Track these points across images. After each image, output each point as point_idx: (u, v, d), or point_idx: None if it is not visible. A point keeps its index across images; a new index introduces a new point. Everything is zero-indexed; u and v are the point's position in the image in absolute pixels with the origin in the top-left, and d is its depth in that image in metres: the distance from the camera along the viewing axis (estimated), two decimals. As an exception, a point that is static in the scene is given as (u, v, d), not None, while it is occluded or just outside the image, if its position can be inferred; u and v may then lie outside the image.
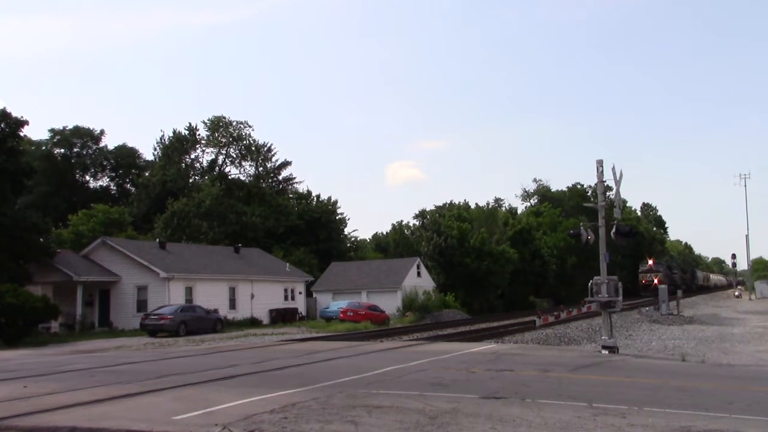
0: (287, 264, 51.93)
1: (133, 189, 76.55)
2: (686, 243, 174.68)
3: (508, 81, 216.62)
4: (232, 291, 43.36)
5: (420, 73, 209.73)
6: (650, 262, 76.30)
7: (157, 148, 76.18)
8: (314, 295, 55.02)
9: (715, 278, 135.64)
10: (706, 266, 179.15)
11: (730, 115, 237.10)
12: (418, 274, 55.64)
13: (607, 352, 18.91)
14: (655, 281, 70.54)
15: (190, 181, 73.27)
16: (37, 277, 36.51)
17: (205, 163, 77.58)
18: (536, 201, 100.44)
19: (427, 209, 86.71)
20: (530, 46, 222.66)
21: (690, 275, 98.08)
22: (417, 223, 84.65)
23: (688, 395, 11.15)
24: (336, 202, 75.04)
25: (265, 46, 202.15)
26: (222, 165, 77.13)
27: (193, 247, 50.35)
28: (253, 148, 76.64)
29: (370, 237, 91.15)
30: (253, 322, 41.67)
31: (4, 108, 36.76)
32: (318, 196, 76.00)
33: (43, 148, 70.86)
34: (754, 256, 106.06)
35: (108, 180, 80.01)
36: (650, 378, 13.40)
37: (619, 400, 10.10)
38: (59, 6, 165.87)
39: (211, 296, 40.39)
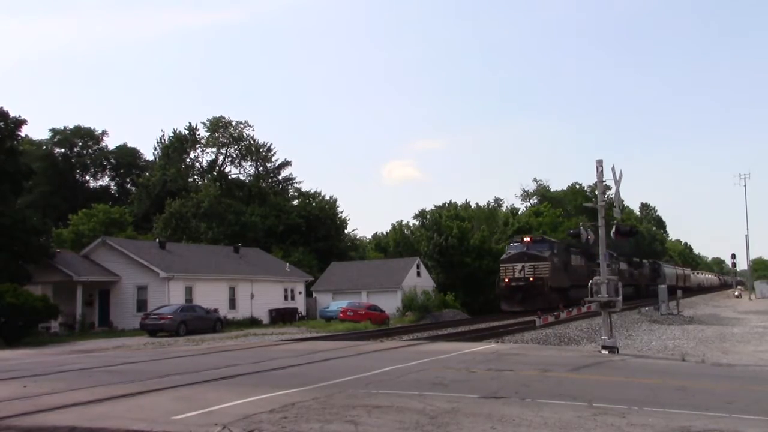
0: (287, 264, 51.95)
1: (133, 189, 76.64)
2: (686, 243, 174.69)
3: (507, 80, 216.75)
4: (232, 291, 43.39)
5: (418, 73, 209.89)
6: (526, 238, 44.96)
7: (157, 147, 76.32)
8: (314, 295, 55.03)
9: (702, 277, 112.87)
10: (706, 265, 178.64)
11: (730, 115, 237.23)
12: (418, 274, 55.65)
13: (607, 352, 18.91)
14: (531, 279, 41.63)
15: (189, 180, 73.32)
16: (37, 277, 36.51)
17: (205, 163, 77.74)
18: (536, 201, 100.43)
19: (427, 209, 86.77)
20: (530, 45, 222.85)
21: (649, 271, 69.29)
22: (417, 222, 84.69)
23: (688, 395, 11.14)
24: (336, 201, 75.30)
25: (266, 46, 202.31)
26: (222, 165, 77.22)
27: (193, 247, 50.39)
28: (253, 149, 76.69)
29: (370, 237, 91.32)
30: (253, 322, 41.69)
31: (2, 107, 36.78)
32: (317, 194, 76.12)
33: (44, 148, 70.96)
34: (754, 256, 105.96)
35: (108, 180, 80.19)
36: (650, 378, 13.39)
37: (619, 399, 10.10)
38: (61, 7, 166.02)
39: (211, 296, 40.41)
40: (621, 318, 34.26)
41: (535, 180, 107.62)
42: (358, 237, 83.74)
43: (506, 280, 42.97)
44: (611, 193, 20.34)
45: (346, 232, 76.63)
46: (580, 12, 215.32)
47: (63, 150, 73.97)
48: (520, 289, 41.87)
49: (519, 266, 42.54)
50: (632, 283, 57.54)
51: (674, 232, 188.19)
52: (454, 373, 13.65)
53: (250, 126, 76.55)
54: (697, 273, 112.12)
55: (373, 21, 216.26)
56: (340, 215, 74.36)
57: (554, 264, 43.19)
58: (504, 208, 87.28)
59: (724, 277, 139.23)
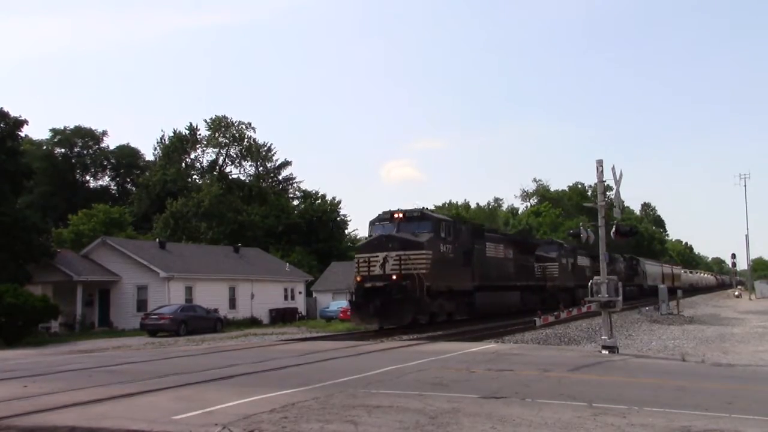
0: (287, 264, 52.00)
1: (133, 189, 76.71)
2: (686, 243, 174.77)
3: (507, 80, 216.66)
4: (232, 291, 43.42)
5: (418, 73, 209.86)
6: (397, 214, 27.41)
7: (157, 147, 76.36)
8: (314, 295, 55.04)
9: (696, 277, 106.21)
10: (706, 265, 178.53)
11: (730, 115, 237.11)
12: (418, 273, 55.48)
13: (607, 352, 18.89)
14: (394, 277, 25.62)
15: (189, 180, 73.36)
16: (37, 277, 36.54)
17: (205, 163, 77.77)
18: (536, 201, 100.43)
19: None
20: (530, 45, 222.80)
21: (625, 268, 56.86)
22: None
23: (688, 395, 11.13)
24: (339, 202, 75.34)
25: (266, 46, 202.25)
26: (222, 165, 77.22)
27: (193, 246, 50.42)
28: (253, 149, 76.73)
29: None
30: (253, 322, 41.73)
31: (2, 108, 36.84)
32: (321, 195, 76.13)
33: (44, 148, 71.03)
34: (754, 256, 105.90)
35: (108, 180, 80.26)
36: (650, 378, 13.38)
37: (619, 399, 10.09)
38: (61, 7, 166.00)
39: (211, 296, 40.44)
40: (621, 318, 34.24)
41: (535, 180, 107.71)
42: (358, 237, 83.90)
43: (358, 279, 26.89)
44: (612, 193, 20.34)
45: (346, 232, 76.70)
46: (580, 12, 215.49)
47: (63, 150, 74.01)
48: (377, 292, 26.04)
49: (379, 257, 26.04)
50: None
51: (674, 232, 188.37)
52: (454, 373, 13.64)
53: (252, 127, 76.63)
54: (690, 272, 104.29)
55: (372, 22, 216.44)
56: (341, 216, 74.50)
57: (440, 254, 27.55)
58: (504, 209, 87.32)
59: (721, 277, 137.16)
